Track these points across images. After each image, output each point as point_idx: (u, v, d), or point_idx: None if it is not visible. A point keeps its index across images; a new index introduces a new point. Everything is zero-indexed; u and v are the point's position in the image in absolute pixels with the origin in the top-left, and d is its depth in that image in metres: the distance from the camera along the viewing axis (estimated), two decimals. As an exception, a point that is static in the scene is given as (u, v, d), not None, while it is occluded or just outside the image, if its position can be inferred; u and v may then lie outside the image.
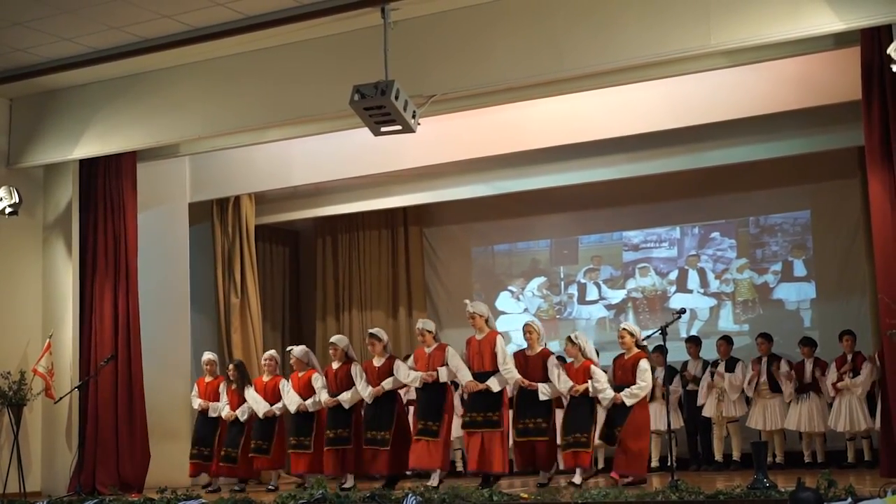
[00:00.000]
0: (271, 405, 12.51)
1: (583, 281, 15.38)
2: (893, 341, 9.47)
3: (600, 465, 12.91)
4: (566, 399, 11.17)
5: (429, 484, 10.72)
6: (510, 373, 10.96)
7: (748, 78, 11.19)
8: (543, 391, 10.98)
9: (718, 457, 12.94)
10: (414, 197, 14.64)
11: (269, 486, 12.53)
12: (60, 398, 12.61)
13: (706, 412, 12.95)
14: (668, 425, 10.65)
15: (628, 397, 10.76)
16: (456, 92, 11.09)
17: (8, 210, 12.42)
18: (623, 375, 10.99)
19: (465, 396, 11.62)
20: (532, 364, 11.12)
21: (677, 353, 13.29)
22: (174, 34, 11.58)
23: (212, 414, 13.00)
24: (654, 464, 13.14)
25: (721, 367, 12.95)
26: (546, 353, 11.20)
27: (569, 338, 11.23)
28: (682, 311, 10.73)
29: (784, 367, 12.62)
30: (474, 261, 16.19)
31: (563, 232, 15.56)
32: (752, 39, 9.82)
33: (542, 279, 15.67)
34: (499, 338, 11.13)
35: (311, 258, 16.93)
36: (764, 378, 12.71)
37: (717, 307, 14.51)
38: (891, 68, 9.15)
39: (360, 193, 14.81)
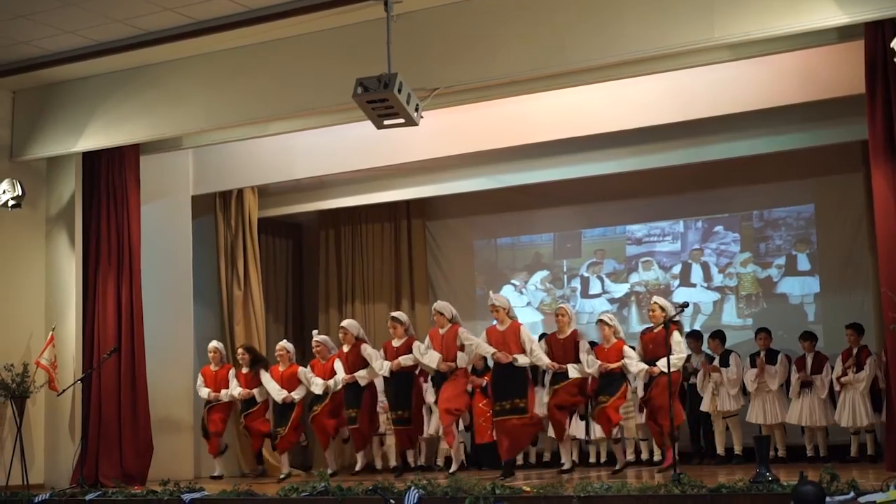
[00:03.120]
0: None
1: (586, 275, 15.37)
2: (896, 335, 9.46)
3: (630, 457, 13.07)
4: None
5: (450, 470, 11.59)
6: (540, 360, 11.40)
7: (752, 71, 11.16)
8: (573, 371, 11.36)
9: (720, 450, 12.92)
10: (417, 190, 14.63)
11: (281, 476, 12.63)
12: (63, 391, 12.63)
13: (703, 407, 12.95)
14: (671, 419, 10.65)
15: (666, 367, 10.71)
16: (459, 85, 11.07)
17: (11, 203, 12.44)
18: (655, 349, 11.11)
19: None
20: (564, 346, 11.53)
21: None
22: (177, 27, 11.59)
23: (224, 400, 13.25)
24: (657, 457, 13.16)
25: (716, 362, 12.91)
26: (576, 336, 11.59)
27: (601, 319, 11.65)
28: (686, 305, 10.86)
29: (779, 364, 12.59)
30: (477, 254, 16.18)
31: (567, 225, 15.55)
32: (755, 33, 9.82)
33: (545, 273, 15.66)
34: (523, 327, 11.53)
35: (313, 251, 16.94)
36: (765, 373, 12.68)
37: (720, 301, 14.50)
38: (894, 62, 9.13)
39: (362, 186, 14.81)
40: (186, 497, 10.70)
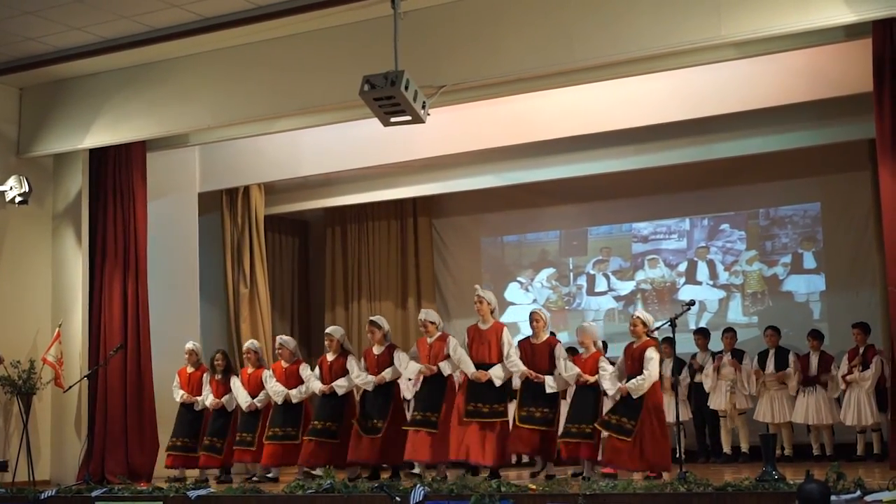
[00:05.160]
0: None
1: (592, 272, 15.37)
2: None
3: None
4: (572, 388, 11.00)
5: (435, 475, 10.74)
6: (515, 365, 10.84)
7: (758, 69, 11.15)
8: (550, 384, 10.82)
9: (727, 449, 12.91)
10: (423, 187, 14.65)
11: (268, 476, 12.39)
12: (70, 387, 12.65)
13: (715, 405, 12.91)
14: (677, 417, 10.67)
15: (634, 389, 10.20)
16: (466, 82, 11.06)
17: (18, 199, 12.47)
18: (633, 365, 10.44)
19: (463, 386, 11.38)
20: (538, 352, 10.98)
21: (686, 345, 13.30)
22: (184, 24, 11.59)
23: (197, 407, 12.57)
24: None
25: (727, 358, 12.86)
26: (552, 342, 11.08)
27: (580, 328, 11.16)
28: (692, 302, 10.65)
29: (791, 365, 12.56)
30: (483, 251, 16.18)
31: (573, 223, 15.54)
32: (762, 31, 9.79)
33: (551, 270, 15.66)
34: (505, 330, 11.06)
35: (320, 248, 16.95)
36: (771, 370, 12.66)
37: (726, 299, 14.49)
38: (902, 60, 9.13)
39: (369, 184, 14.83)
40: (192, 494, 10.71)
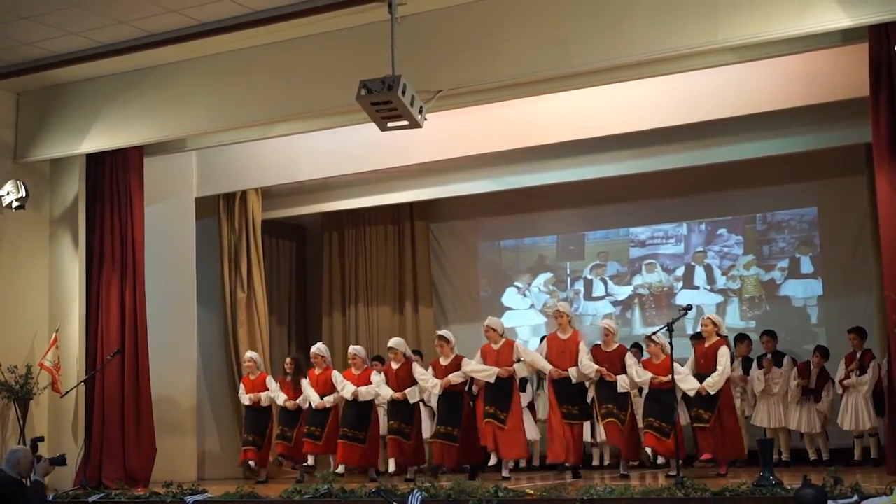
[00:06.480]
0: (321, 397, 12.64)
1: (589, 277, 15.37)
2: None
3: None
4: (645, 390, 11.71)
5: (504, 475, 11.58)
6: (589, 368, 11.67)
7: (756, 74, 11.16)
8: (622, 383, 11.58)
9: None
10: (420, 192, 14.63)
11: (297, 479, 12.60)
12: (67, 392, 12.65)
13: None
14: (677, 422, 10.71)
15: (710, 387, 11.10)
16: (463, 87, 11.07)
17: (15, 204, 12.47)
18: (706, 363, 11.34)
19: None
20: (609, 360, 11.74)
21: (683, 350, 13.27)
22: (182, 29, 11.59)
23: (264, 403, 13.15)
24: (661, 460, 13.16)
25: (751, 366, 12.90)
26: (622, 350, 11.84)
27: (648, 337, 11.75)
28: (689, 307, 10.91)
29: (786, 368, 12.57)
30: (480, 256, 16.18)
31: (570, 228, 15.54)
32: (759, 35, 9.81)
33: (548, 275, 15.66)
34: (581, 340, 11.87)
35: (317, 253, 16.94)
36: (770, 375, 12.66)
37: (723, 304, 14.49)
38: (899, 65, 9.13)
39: (366, 188, 14.81)
40: (189, 499, 10.73)
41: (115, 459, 12.69)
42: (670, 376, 10.72)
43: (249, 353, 13.52)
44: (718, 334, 11.47)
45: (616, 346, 11.90)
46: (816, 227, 14.05)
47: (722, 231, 14.59)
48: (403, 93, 9.84)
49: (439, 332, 12.44)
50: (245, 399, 13.17)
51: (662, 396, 11.15)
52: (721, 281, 14.53)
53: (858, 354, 12.17)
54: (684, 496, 8.64)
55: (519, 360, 11.85)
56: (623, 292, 15.10)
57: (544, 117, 12.31)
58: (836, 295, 13.77)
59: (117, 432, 12.77)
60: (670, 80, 11.23)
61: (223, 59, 12.08)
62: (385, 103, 9.95)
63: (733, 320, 14.33)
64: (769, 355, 12.75)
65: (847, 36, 9.91)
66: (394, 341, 12.65)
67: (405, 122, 10.24)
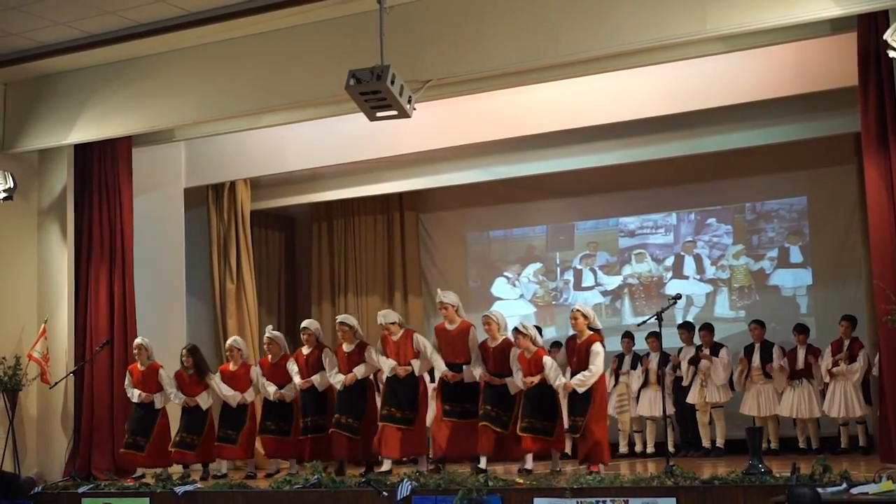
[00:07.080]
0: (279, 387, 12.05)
1: (579, 267, 15.38)
2: (890, 327, 9.46)
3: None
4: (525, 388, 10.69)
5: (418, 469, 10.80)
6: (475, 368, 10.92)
7: (744, 64, 11.16)
8: (511, 387, 10.74)
9: (705, 443, 12.87)
10: (410, 182, 14.61)
11: (269, 471, 12.39)
12: (56, 383, 12.62)
13: (690, 399, 12.93)
14: (664, 411, 10.69)
15: (578, 385, 10.18)
16: (452, 77, 11.05)
17: (2, 195, 12.40)
18: (578, 361, 10.42)
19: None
20: (494, 354, 10.89)
21: (673, 339, 13.31)
22: (169, 18, 11.56)
23: (158, 405, 12.26)
24: (650, 449, 13.18)
25: (703, 353, 12.89)
26: (508, 343, 10.86)
27: (516, 328, 10.68)
28: (678, 297, 10.62)
29: (777, 359, 12.57)
30: (470, 246, 16.18)
31: (560, 218, 15.55)
32: (748, 25, 9.81)
33: (537, 265, 15.66)
34: (472, 330, 11.09)
35: (306, 243, 16.92)
36: (757, 364, 12.68)
37: (713, 293, 14.51)
38: (887, 54, 9.12)
39: (355, 179, 14.79)
40: (179, 489, 10.72)
41: (105, 450, 12.68)
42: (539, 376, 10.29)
43: (232, 340, 12.73)
44: (591, 328, 10.45)
45: (502, 338, 10.88)
46: (806, 216, 14.08)
47: (711, 221, 14.61)
48: (392, 82, 9.83)
49: (339, 318, 11.77)
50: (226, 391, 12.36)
51: (541, 390, 10.46)
52: (710, 271, 14.55)
53: (847, 343, 12.19)
54: (674, 485, 8.66)
55: (418, 354, 11.14)
56: (613, 282, 15.12)
57: (533, 107, 12.29)
58: (826, 284, 13.80)
59: (107, 423, 12.76)
60: (659, 69, 11.22)
61: (212, 48, 12.05)
62: (374, 93, 9.93)
63: (723, 310, 14.36)
64: (757, 345, 12.76)
65: (836, 25, 9.91)
66: (307, 322, 12.19)
67: (394, 112, 10.23)
